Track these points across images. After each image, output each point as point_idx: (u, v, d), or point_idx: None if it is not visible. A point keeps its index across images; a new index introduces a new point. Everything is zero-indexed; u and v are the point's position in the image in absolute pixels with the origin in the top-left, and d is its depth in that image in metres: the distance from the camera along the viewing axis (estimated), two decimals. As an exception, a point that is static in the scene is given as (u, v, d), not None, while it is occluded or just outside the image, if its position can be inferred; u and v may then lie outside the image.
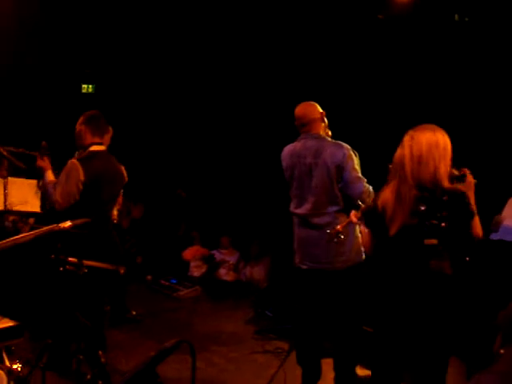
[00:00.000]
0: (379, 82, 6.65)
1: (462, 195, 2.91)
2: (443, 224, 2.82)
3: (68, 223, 2.93)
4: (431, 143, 2.94)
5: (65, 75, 7.96)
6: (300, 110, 4.21)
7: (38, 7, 6.88)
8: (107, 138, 5.70)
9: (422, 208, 2.91)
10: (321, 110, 4.20)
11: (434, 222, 2.85)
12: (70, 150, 5.84)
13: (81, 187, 4.27)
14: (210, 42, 7.78)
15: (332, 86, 6.56)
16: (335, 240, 3.56)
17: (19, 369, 3.15)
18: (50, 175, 4.40)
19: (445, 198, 2.87)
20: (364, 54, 6.73)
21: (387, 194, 3.04)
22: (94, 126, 4.51)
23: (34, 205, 5.60)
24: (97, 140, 4.51)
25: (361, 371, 4.44)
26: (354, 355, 4.25)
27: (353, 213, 3.56)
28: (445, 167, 2.93)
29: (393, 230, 3.00)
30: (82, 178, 4.25)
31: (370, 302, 3.88)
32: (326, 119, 4.22)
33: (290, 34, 7.06)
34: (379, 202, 3.08)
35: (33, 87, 7.11)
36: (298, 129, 4.24)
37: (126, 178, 4.63)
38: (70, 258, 3.24)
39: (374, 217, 3.13)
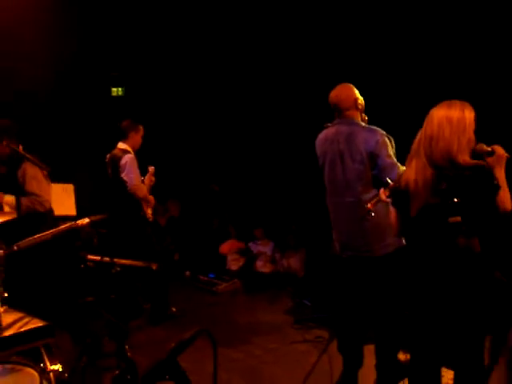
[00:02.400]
0: (409, 61, 6.50)
1: (483, 169, 2.82)
2: (464, 201, 2.76)
3: (86, 220, 2.97)
4: (442, 120, 2.88)
5: (95, 79, 8.06)
6: (335, 93, 4.09)
7: (68, 12, 6.97)
8: (137, 137, 5.80)
9: (443, 186, 2.86)
10: (357, 94, 4.11)
11: (457, 199, 2.79)
12: (102, 151, 5.95)
13: None
14: (236, 38, 7.78)
15: (367, 68, 6.44)
16: (367, 217, 3.51)
17: (60, 369, 3.21)
18: None
19: (466, 173, 2.80)
20: (385, 33, 6.60)
21: (409, 172, 3.00)
22: None
23: (69, 208, 5.71)
24: None
25: (403, 356, 4.38)
26: (395, 341, 4.20)
27: (381, 190, 3.50)
28: (460, 143, 2.85)
29: (414, 210, 2.96)
30: None
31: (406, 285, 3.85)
32: (362, 103, 4.15)
33: (315, 18, 7.00)
34: (402, 180, 3.04)
35: (64, 92, 7.21)
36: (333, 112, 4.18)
37: None
38: (104, 258, 3.29)
39: (399, 195, 3.09)
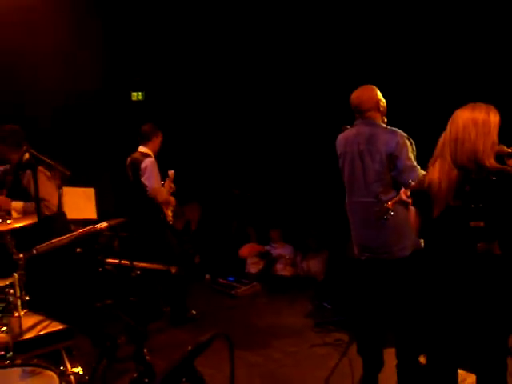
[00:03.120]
0: (432, 63, 6.46)
1: (510, 175, 2.79)
2: (488, 206, 2.74)
3: (104, 224, 2.99)
4: (467, 122, 2.86)
5: (115, 83, 8.12)
6: (357, 94, 4.10)
7: (90, 18, 7.04)
8: (158, 141, 5.84)
9: (467, 189, 2.83)
10: (379, 95, 4.10)
11: (480, 204, 2.76)
12: (122, 154, 5.99)
13: None
14: (256, 44, 7.81)
15: (376, 69, 6.42)
16: (385, 217, 3.50)
17: (80, 372, 3.25)
18: None
19: (492, 177, 2.78)
20: (408, 34, 6.56)
21: (432, 173, 2.98)
22: None
23: (89, 212, 5.75)
24: None
25: (424, 359, 4.34)
26: (416, 343, 4.17)
27: (402, 190, 3.49)
28: (486, 145, 2.83)
29: (436, 211, 2.93)
30: None
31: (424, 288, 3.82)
32: (384, 105, 4.13)
33: (334, 16, 6.99)
34: (425, 181, 3.02)
35: (84, 96, 7.27)
36: (354, 112, 4.17)
37: None
38: (123, 261, 3.32)
39: (420, 196, 3.07)
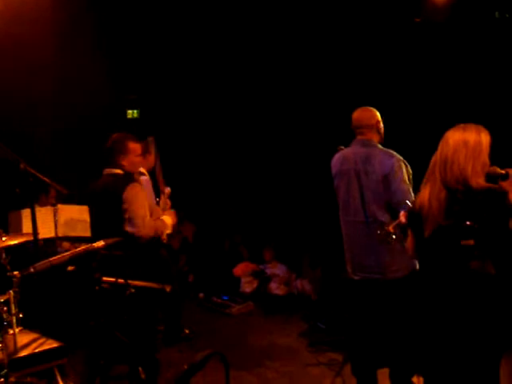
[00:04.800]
0: (420, 86, 6.57)
1: (497, 193, 2.81)
2: (477, 225, 2.76)
3: (101, 242, 3.00)
4: (458, 143, 2.89)
5: (110, 101, 8.15)
6: (357, 114, 4.19)
7: (85, 36, 7.08)
8: (151, 158, 5.83)
9: (456, 208, 2.86)
10: (378, 118, 4.16)
11: (469, 222, 2.79)
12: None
13: None
14: (253, 61, 7.88)
15: (371, 91, 6.51)
16: (388, 240, 3.50)
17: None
18: None
19: (479, 197, 2.80)
20: (403, 59, 6.67)
21: (423, 194, 3.02)
22: None
23: (83, 229, 5.74)
24: None
25: (417, 380, 4.34)
26: (410, 364, 4.17)
27: (402, 213, 3.50)
28: (474, 166, 2.85)
29: (428, 231, 2.96)
30: None
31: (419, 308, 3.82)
32: (382, 128, 4.18)
33: (334, 40, 7.08)
34: (416, 203, 3.05)
35: (79, 114, 7.30)
36: (353, 132, 4.21)
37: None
38: (119, 280, 3.32)
39: (413, 216, 3.10)
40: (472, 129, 2.94)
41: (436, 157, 2.98)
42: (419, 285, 3.20)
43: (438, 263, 3.00)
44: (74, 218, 5.66)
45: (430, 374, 3.15)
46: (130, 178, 4.36)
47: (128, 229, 4.20)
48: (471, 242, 2.82)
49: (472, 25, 6.32)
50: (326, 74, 7.30)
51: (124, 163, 4.35)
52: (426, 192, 3.00)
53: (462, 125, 2.98)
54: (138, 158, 4.46)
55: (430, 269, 3.06)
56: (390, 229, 3.46)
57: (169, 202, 5.89)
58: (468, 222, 2.80)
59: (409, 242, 3.24)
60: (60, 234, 5.53)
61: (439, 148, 2.98)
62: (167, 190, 5.91)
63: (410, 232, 3.20)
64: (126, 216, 4.19)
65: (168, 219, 4.74)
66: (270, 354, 5.55)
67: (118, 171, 4.37)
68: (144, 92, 8.45)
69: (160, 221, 4.64)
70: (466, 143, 2.88)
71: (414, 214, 3.07)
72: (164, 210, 5.82)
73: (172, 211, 5.11)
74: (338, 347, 5.43)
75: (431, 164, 3.01)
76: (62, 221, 5.55)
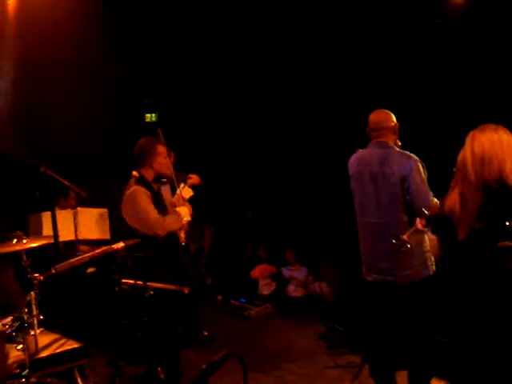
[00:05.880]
0: (440, 88, 6.53)
1: None
2: None
3: (121, 244, 3.03)
4: (493, 141, 2.88)
5: (128, 105, 8.21)
6: (373, 116, 4.20)
7: (103, 40, 7.13)
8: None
9: (491, 211, 2.83)
10: (395, 121, 4.17)
11: (507, 223, 2.76)
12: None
13: None
14: (270, 67, 7.90)
15: (392, 93, 6.49)
16: (402, 249, 3.49)
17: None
18: None
19: None
20: (424, 60, 6.64)
21: (453, 197, 2.97)
22: None
23: (103, 232, 5.80)
24: None
25: (436, 382, 4.32)
26: (428, 366, 4.15)
27: (418, 220, 3.49)
28: (511, 165, 2.84)
29: (462, 234, 2.92)
30: None
31: (442, 310, 3.78)
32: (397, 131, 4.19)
33: (354, 41, 7.07)
34: (445, 206, 3.01)
35: (97, 118, 7.35)
36: (368, 135, 4.22)
37: None
38: (138, 281, 3.35)
39: (441, 222, 3.06)
40: (501, 129, 2.92)
41: (466, 158, 2.94)
42: (448, 287, 3.14)
43: (473, 266, 2.96)
44: (93, 220, 5.72)
45: (461, 376, 3.10)
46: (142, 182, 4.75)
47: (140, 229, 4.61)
48: (508, 243, 2.79)
49: (491, 25, 6.28)
50: (343, 76, 7.29)
51: (154, 165, 4.81)
52: (455, 195, 2.95)
53: (489, 125, 2.96)
54: (165, 160, 4.90)
55: (465, 272, 3.01)
56: (405, 238, 3.45)
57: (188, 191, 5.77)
58: (507, 223, 2.77)
59: (435, 248, 3.20)
60: (80, 237, 5.59)
61: (469, 148, 2.94)
62: (181, 185, 5.85)
63: (435, 238, 3.16)
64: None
65: (183, 209, 5.03)
66: (288, 356, 5.55)
67: (135, 174, 4.78)
68: (162, 96, 8.49)
69: (173, 215, 4.92)
70: (501, 142, 2.88)
71: (444, 218, 3.02)
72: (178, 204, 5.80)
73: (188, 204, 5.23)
74: (356, 349, 5.42)
75: (459, 167, 2.97)
76: (81, 223, 5.61)
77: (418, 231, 3.53)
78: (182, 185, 5.78)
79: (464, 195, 2.90)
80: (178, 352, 4.70)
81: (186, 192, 5.51)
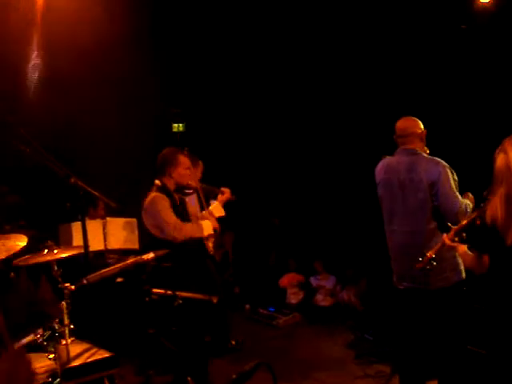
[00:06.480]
0: (469, 94, 6.48)
1: None
2: None
3: (151, 254, 3.05)
4: None
5: (156, 115, 8.28)
6: (401, 122, 4.20)
7: (129, 51, 7.22)
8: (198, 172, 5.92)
9: None
10: (422, 127, 4.16)
11: None
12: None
13: None
14: (295, 74, 7.93)
15: (421, 100, 6.45)
16: (428, 267, 3.46)
17: (123, 400, 3.29)
18: None
19: None
20: (452, 67, 6.60)
21: (495, 206, 2.90)
22: None
23: (132, 242, 5.84)
24: None
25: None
26: (459, 376, 4.10)
27: (445, 235, 3.44)
28: None
29: (510, 240, 2.85)
30: None
31: (478, 321, 3.71)
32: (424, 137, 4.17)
33: (382, 48, 7.06)
34: (488, 218, 2.94)
35: (125, 128, 7.43)
36: (396, 142, 4.20)
37: None
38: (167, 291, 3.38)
39: (483, 235, 2.99)
40: None
41: (510, 161, 2.90)
42: (495, 294, 3.06)
43: None
44: (122, 230, 5.77)
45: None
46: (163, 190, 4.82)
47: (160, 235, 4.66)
48: None
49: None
50: (372, 84, 7.27)
51: (174, 175, 4.79)
52: (496, 203, 2.90)
53: None
54: (186, 171, 4.86)
55: None
56: (432, 255, 3.42)
57: (220, 210, 5.75)
58: None
59: (473, 264, 3.13)
60: (109, 247, 5.64)
61: (511, 152, 2.90)
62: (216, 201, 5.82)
63: (475, 254, 3.09)
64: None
65: (206, 222, 5.04)
66: (317, 365, 5.53)
67: (158, 183, 4.83)
68: (190, 106, 8.56)
69: (195, 225, 4.93)
70: None
71: (486, 229, 2.95)
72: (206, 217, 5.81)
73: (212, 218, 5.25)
74: (385, 359, 5.39)
75: (502, 171, 2.92)
76: (110, 233, 5.66)
77: (445, 247, 3.48)
78: (216, 203, 5.75)
79: (505, 202, 2.85)
80: (206, 361, 4.70)
81: (218, 211, 5.53)
